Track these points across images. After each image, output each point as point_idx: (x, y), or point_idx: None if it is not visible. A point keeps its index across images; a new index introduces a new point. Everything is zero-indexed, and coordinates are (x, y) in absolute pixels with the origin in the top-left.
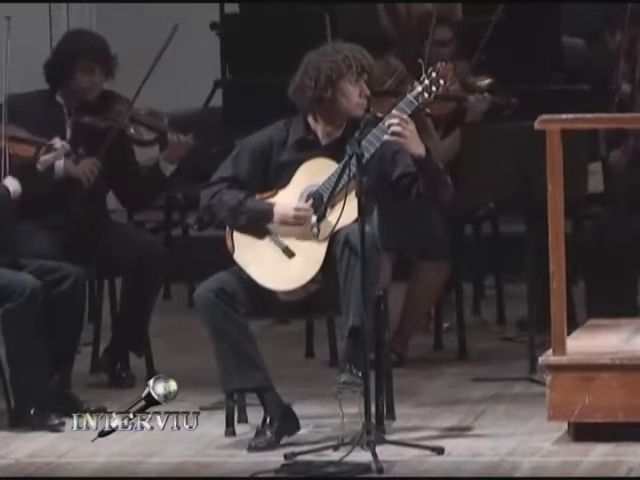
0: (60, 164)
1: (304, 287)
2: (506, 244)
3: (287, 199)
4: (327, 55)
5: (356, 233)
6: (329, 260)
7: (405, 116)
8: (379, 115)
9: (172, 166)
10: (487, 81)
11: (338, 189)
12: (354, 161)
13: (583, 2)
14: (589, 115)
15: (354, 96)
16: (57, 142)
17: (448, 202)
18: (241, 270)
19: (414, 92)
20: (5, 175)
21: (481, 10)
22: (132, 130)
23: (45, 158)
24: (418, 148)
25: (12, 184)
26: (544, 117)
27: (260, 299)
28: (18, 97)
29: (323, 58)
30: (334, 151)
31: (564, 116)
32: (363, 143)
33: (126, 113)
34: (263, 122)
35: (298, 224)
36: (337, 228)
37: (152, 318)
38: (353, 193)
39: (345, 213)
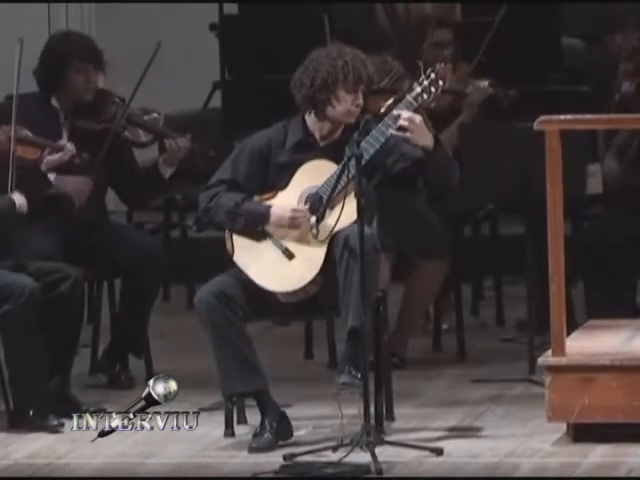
0: (51, 179)
1: (304, 289)
2: (505, 245)
3: (287, 201)
4: (329, 58)
5: (355, 234)
6: (328, 261)
7: (409, 113)
8: (382, 112)
9: (171, 168)
10: (486, 82)
11: (337, 190)
12: (353, 162)
13: (582, 3)
14: (588, 116)
15: (346, 103)
16: (63, 143)
17: (454, 190)
18: (240, 272)
19: (413, 93)
20: (13, 178)
21: (480, 11)
22: (128, 133)
23: (50, 159)
24: (426, 140)
25: (19, 199)
26: (543, 118)
27: (259, 301)
28: (11, 100)
29: (324, 60)
30: (332, 152)
31: (563, 117)
32: (362, 144)
33: (122, 115)
34: (262, 123)
35: (294, 226)
36: (337, 229)
37: (151, 319)
38: (352, 194)
39: (345, 214)
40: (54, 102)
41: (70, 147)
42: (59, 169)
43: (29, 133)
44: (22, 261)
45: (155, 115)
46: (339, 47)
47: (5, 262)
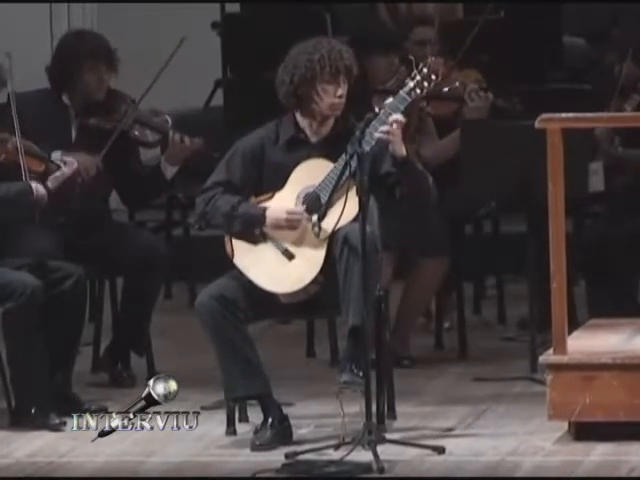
0: (57, 154)
1: (304, 289)
2: (507, 243)
3: (284, 201)
4: (305, 53)
5: (355, 232)
6: (329, 260)
7: (398, 117)
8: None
9: (173, 167)
10: (475, 76)
11: (339, 188)
12: (355, 160)
13: (584, 2)
14: (590, 114)
15: (328, 96)
16: (64, 157)
17: (432, 202)
18: (241, 274)
19: (406, 88)
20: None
21: (481, 10)
22: (136, 132)
23: (56, 176)
24: (401, 149)
25: (38, 188)
26: (545, 116)
27: (261, 302)
28: (21, 96)
29: (301, 56)
30: (325, 149)
31: (565, 115)
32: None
33: (131, 114)
34: (264, 122)
35: (291, 228)
36: (338, 227)
37: (153, 318)
38: (352, 192)
39: (345, 212)
40: (65, 99)
41: (70, 160)
42: (66, 188)
43: (33, 145)
44: (24, 259)
45: (165, 117)
46: (316, 41)
47: (7, 260)
